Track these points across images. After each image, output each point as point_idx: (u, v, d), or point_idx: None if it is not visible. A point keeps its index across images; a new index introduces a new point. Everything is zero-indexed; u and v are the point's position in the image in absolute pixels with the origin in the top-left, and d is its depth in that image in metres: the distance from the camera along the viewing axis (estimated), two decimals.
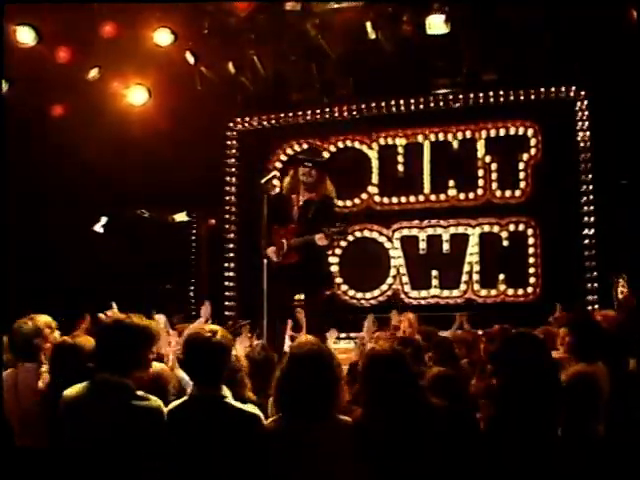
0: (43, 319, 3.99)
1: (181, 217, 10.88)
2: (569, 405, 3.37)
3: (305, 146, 9.93)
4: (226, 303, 10.17)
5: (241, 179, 10.45)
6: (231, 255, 10.38)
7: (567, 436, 3.22)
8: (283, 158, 10.21)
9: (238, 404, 2.86)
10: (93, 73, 8.29)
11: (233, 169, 10.55)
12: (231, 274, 10.34)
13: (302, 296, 6.06)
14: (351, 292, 10.01)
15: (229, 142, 10.56)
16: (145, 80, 8.67)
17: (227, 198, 10.47)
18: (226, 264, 10.35)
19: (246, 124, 10.57)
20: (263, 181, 5.36)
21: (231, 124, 10.55)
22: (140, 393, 2.77)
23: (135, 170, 9.27)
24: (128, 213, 10.54)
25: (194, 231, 10.86)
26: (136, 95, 8.71)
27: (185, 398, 2.85)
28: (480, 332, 7.81)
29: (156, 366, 3.33)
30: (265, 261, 5.36)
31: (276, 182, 5.93)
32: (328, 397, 2.82)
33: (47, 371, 3.54)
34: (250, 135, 10.53)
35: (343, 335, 8.87)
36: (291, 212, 5.76)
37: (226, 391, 2.86)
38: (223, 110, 10.07)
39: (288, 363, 2.87)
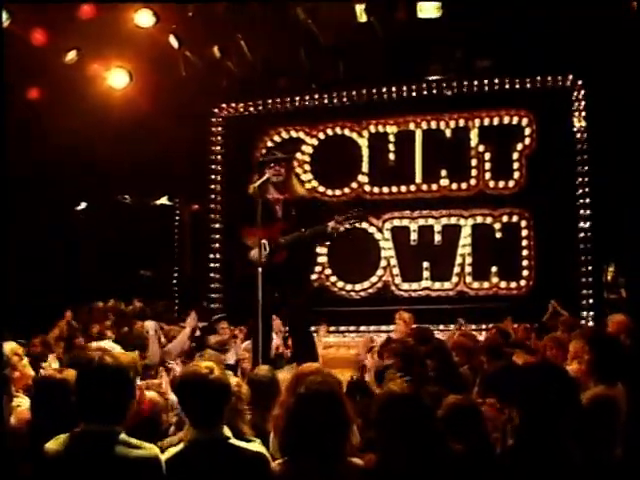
0: (9, 347, 3.62)
1: (162, 202, 10.62)
2: (589, 429, 3.21)
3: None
4: (211, 295, 9.92)
5: (226, 166, 10.14)
6: (217, 246, 10.08)
7: (586, 460, 3.06)
8: (270, 144, 9.90)
9: (243, 444, 2.62)
10: (71, 56, 7.94)
11: (219, 156, 10.23)
12: (217, 265, 10.05)
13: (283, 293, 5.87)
14: (340, 284, 9.79)
15: (214, 128, 10.21)
16: (126, 63, 8.37)
17: (212, 187, 10.15)
18: (211, 255, 10.05)
19: (232, 110, 10.23)
20: (257, 184, 5.15)
21: (216, 110, 10.20)
22: (132, 441, 2.48)
23: (116, 155, 8.94)
24: (109, 198, 10.26)
25: (177, 217, 10.59)
26: (117, 78, 8.42)
27: (183, 444, 2.57)
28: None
29: (147, 395, 3.06)
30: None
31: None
32: (341, 437, 2.60)
33: (19, 405, 3.19)
34: (236, 121, 10.19)
35: (332, 328, 8.74)
36: (274, 212, 5.70)
37: (227, 431, 2.61)
38: (208, 95, 9.72)
39: (297, 401, 2.63)
